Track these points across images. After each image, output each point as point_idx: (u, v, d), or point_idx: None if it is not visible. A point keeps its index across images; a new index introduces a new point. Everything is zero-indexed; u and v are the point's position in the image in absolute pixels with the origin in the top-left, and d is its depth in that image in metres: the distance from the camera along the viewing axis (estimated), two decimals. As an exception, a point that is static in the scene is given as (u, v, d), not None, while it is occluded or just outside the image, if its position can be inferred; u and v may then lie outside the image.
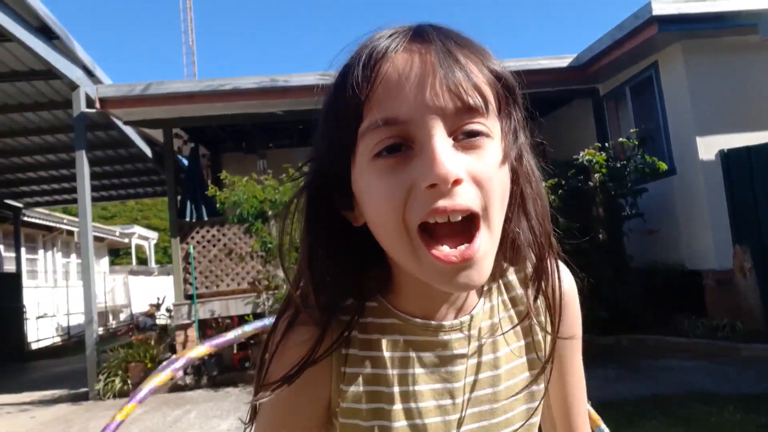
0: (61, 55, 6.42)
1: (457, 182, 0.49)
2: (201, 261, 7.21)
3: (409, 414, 0.59)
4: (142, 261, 23.72)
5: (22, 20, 5.74)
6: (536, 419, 0.64)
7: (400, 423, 0.58)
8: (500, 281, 0.65)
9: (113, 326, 16.02)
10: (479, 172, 0.51)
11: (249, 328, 1.13)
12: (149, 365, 6.56)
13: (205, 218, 7.31)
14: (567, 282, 0.67)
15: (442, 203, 0.49)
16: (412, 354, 0.60)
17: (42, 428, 5.24)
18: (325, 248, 0.59)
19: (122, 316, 17.49)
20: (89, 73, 7.02)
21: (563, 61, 7.01)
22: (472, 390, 0.61)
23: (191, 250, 7.16)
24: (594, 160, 6.00)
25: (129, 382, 6.42)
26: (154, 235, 22.41)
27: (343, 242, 0.59)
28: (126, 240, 19.49)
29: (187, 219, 7.32)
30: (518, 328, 0.64)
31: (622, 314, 5.88)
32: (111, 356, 6.69)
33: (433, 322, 0.60)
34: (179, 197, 7.70)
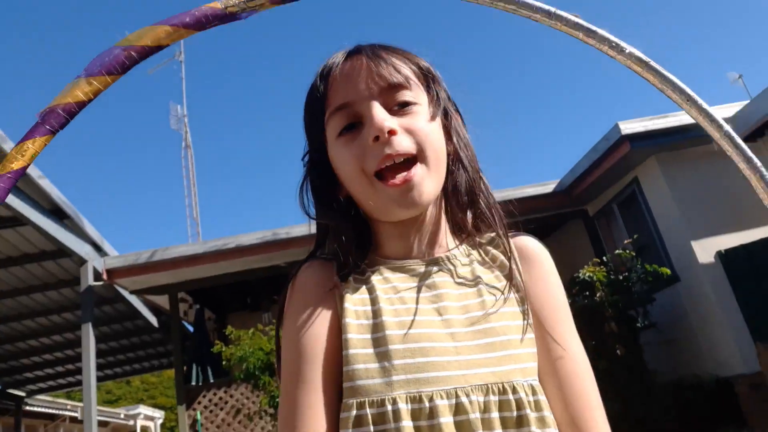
0: (71, 233, 6.73)
1: (392, 132, 0.67)
2: (209, 427, 6.87)
3: (400, 323, 0.67)
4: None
5: (36, 204, 6.11)
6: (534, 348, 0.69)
7: (394, 332, 0.66)
8: (476, 240, 0.78)
9: None
10: (410, 124, 0.69)
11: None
12: None
13: (212, 380, 7.11)
14: (530, 241, 0.79)
15: (386, 150, 0.67)
16: (398, 284, 0.72)
17: None
18: (328, 217, 0.76)
19: None
20: (97, 248, 7.29)
21: (548, 187, 7.34)
22: (458, 301, 0.70)
23: (198, 416, 6.86)
24: (595, 277, 6.03)
25: None
26: (160, 414, 21.42)
27: (340, 214, 0.76)
28: (131, 422, 18.61)
29: (193, 383, 7.12)
30: (499, 282, 0.73)
31: (658, 434, 5.50)
32: None
33: (410, 260, 0.74)
34: (185, 367, 7.56)
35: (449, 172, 0.74)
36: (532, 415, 0.62)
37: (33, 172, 5.89)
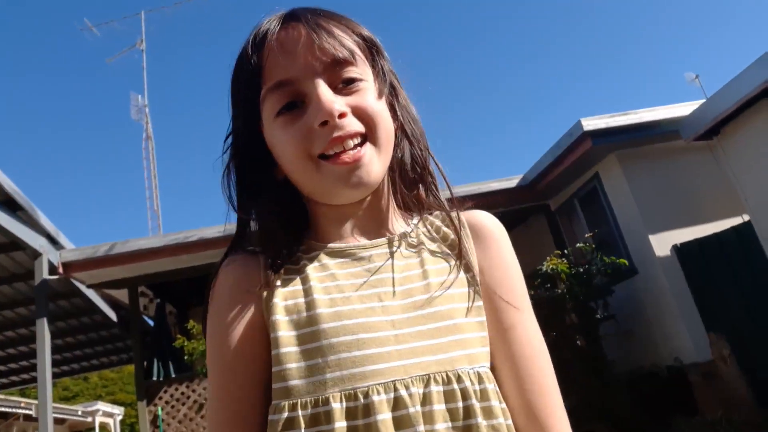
0: (25, 225, 6.49)
1: (342, 115, 0.63)
2: (170, 423, 6.75)
3: (336, 314, 0.62)
4: (107, 442, 21.89)
5: (-13, 195, 5.87)
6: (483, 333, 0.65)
7: (328, 325, 0.61)
8: (425, 217, 0.74)
9: None
10: (358, 104, 0.65)
11: None
12: None
13: (173, 375, 6.98)
14: (484, 215, 0.75)
15: (336, 133, 0.62)
16: (336, 270, 0.67)
17: None
18: (256, 203, 0.72)
19: None
20: (53, 241, 7.04)
21: (512, 182, 7.44)
22: (400, 285, 0.65)
23: (159, 412, 6.73)
24: (558, 269, 6.15)
25: None
26: (119, 410, 20.95)
27: (272, 198, 0.71)
28: (89, 419, 18.15)
29: (154, 378, 6.98)
30: (447, 262, 0.69)
31: (615, 423, 5.66)
32: None
33: (351, 244, 0.69)
34: (146, 362, 7.41)
35: (395, 147, 0.70)
36: (477, 406, 0.58)
37: (-17, 161, 5.65)
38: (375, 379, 0.57)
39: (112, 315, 8.97)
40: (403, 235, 0.70)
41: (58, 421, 15.65)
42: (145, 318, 8.93)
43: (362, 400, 0.56)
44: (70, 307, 8.69)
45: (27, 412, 14.36)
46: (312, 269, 0.66)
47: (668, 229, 6.27)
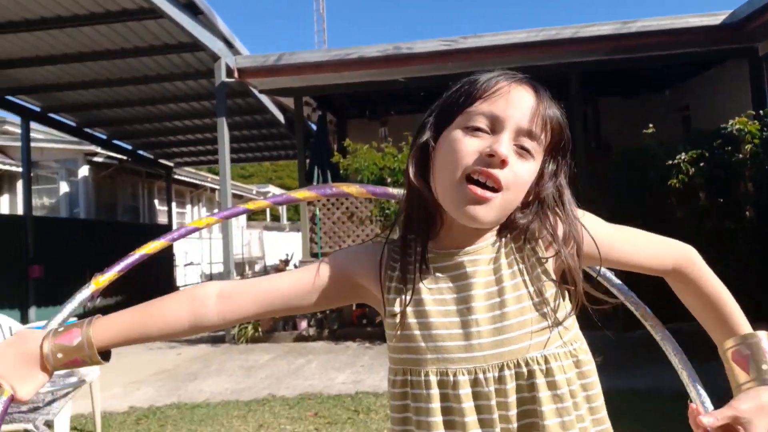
0: (205, 29, 6.95)
1: (504, 162, 0.74)
2: (326, 222, 7.61)
3: (440, 312, 0.79)
4: (276, 218, 25.43)
5: (172, -2, 6.27)
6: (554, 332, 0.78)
7: (437, 320, 0.79)
8: (510, 236, 0.84)
9: (249, 276, 17.44)
10: (517, 170, 0.76)
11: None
12: (277, 317, 7.11)
13: (330, 182, 7.64)
14: (588, 230, 0.83)
15: (489, 169, 0.74)
16: (439, 273, 0.82)
17: (186, 364, 5.93)
18: (412, 209, 0.85)
19: (257, 267, 18.97)
20: (229, 45, 7.52)
21: (716, 19, 6.27)
22: (484, 295, 0.79)
23: (317, 212, 7.57)
24: (745, 130, 5.37)
25: (260, 329, 7.03)
26: (286, 195, 23.78)
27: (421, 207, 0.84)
28: (261, 198, 20.90)
29: (314, 183, 7.71)
30: (520, 277, 0.80)
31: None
32: (245, 306, 7.32)
33: (453, 250, 0.82)
34: (308, 161, 8.14)
35: (527, 209, 0.82)
36: (540, 381, 0.75)
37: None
38: (461, 365, 0.77)
39: (280, 117, 9.73)
40: (490, 248, 0.82)
41: (237, 197, 18.25)
42: (310, 123, 9.58)
43: (451, 378, 0.77)
44: (245, 105, 9.54)
45: (213, 186, 16.92)
46: (419, 266, 0.82)
47: None
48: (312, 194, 1.08)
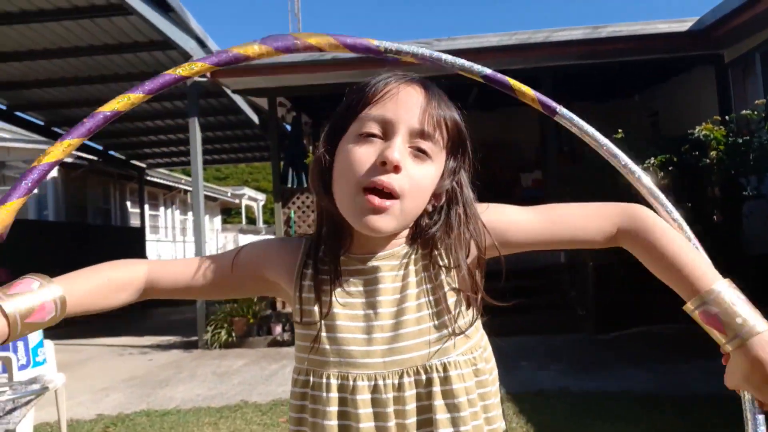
0: (176, 26, 6.84)
1: (397, 168, 0.73)
2: (301, 225, 7.54)
3: (346, 315, 0.80)
4: (252, 221, 25.19)
5: (141, -6, 6.15)
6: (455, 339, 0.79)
7: (342, 323, 0.80)
8: (419, 242, 0.84)
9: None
10: (414, 174, 0.76)
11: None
12: (251, 320, 7.02)
13: (305, 185, 7.59)
14: (485, 222, 0.83)
15: (382, 178, 0.73)
16: (347, 277, 0.82)
17: (158, 370, 5.82)
18: (322, 222, 0.86)
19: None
20: (202, 44, 7.42)
21: (683, 25, 6.41)
22: (391, 301, 0.80)
23: (292, 215, 7.51)
24: (711, 136, 5.50)
25: (233, 334, 6.93)
26: (262, 197, 23.63)
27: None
28: (237, 201, 20.73)
29: (289, 185, 7.65)
30: (425, 285, 0.81)
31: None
32: (218, 309, 7.23)
33: (366, 255, 0.82)
34: (282, 163, 8.06)
35: (428, 214, 0.82)
36: (436, 389, 0.76)
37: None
38: (361, 370, 0.77)
39: (254, 117, 9.63)
40: (398, 256, 0.82)
41: (211, 199, 18.02)
42: (285, 125, 9.50)
43: (351, 382, 0.77)
44: (219, 105, 9.43)
45: (186, 188, 16.68)
46: (331, 268, 0.82)
47: None
48: (265, 48, 0.74)
